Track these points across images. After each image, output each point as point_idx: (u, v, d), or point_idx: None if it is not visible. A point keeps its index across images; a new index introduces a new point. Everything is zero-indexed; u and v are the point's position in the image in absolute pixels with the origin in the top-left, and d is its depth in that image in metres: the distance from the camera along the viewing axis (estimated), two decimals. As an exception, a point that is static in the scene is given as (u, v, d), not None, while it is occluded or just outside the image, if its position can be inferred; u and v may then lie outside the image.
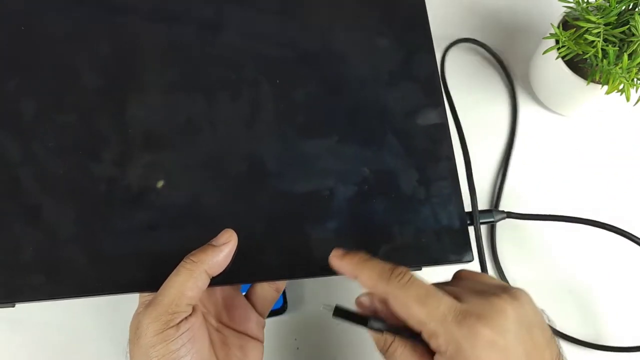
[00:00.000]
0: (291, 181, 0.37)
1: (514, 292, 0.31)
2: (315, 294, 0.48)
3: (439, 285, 0.31)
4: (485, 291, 0.31)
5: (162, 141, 0.38)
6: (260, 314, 0.37)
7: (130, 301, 0.39)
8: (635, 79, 0.42)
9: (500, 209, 0.50)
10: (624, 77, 0.42)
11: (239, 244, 0.34)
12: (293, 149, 0.38)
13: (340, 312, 0.33)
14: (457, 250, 0.37)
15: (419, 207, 0.37)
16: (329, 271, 0.36)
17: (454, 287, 0.31)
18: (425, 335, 0.29)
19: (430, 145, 0.39)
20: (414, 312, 0.29)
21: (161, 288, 0.32)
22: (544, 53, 0.47)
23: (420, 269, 0.36)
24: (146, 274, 0.35)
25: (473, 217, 0.41)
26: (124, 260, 0.35)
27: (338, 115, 0.39)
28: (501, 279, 0.48)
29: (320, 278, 0.48)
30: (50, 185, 0.36)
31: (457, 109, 0.51)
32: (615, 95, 0.43)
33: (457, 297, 0.30)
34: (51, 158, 0.37)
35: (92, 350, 0.46)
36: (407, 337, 0.30)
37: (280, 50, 0.41)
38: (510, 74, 0.54)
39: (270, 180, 0.37)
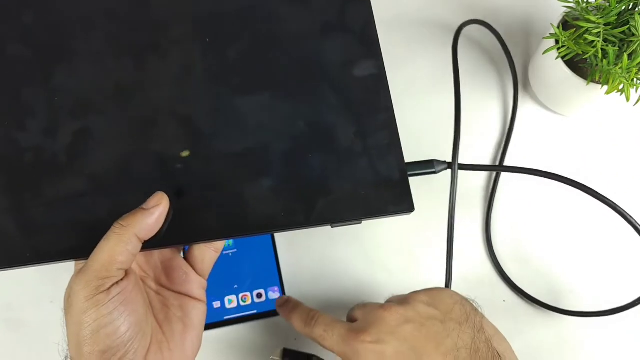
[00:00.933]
0: (224, 140, 0.37)
1: (407, 298, 0.37)
2: (316, 294, 0.48)
3: (358, 309, 0.38)
4: (381, 306, 0.36)
5: (90, 107, 0.37)
6: (201, 275, 0.37)
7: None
8: (635, 79, 0.42)
9: (496, 209, 0.51)
10: (624, 77, 0.42)
11: (173, 206, 0.34)
12: (226, 107, 0.37)
13: (289, 354, 0.42)
14: (397, 201, 0.36)
15: (356, 159, 0.37)
16: (265, 229, 0.36)
17: (359, 311, 0.38)
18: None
19: (367, 97, 0.38)
20: (324, 345, 0.36)
21: (92, 254, 0.31)
22: (544, 53, 0.47)
23: (360, 222, 0.36)
24: (79, 242, 0.34)
25: (453, 166, 0.41)
26: (56, 229, 0.35)
27: (271, 71, 0.38)
28: (485, 232, 0.50)
29: (322, 278, 0.48)
30: None
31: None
32: (615, 95, 0.43)
33: (354, 319, 0.37)
34: None
35: None
36: None
37: (209, 8, 0.40)
38: (516, 69, 0.54)
39: (202, 140, 0.37)
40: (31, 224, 0.35)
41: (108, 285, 0.31)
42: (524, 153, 0.52)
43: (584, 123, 0.53)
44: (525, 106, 0.54)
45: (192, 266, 0.37)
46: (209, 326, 0.47)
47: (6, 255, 0.35)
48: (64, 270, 0.36)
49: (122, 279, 0.32)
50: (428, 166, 0.40)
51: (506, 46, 0.53)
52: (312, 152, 0.37)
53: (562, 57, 0.45)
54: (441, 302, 0.36)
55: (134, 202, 0.33)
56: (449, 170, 0.41)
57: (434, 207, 0.47)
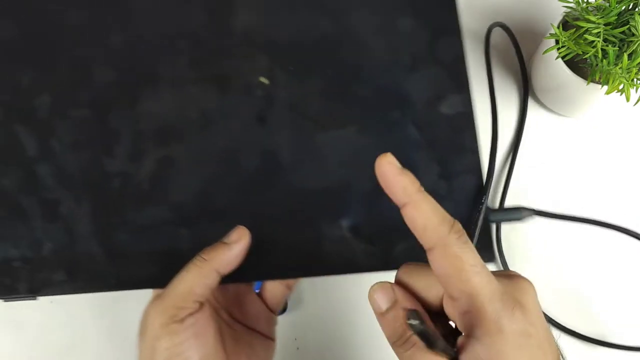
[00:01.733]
0: (306, 176, 0.36)
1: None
2: (315, 295, 0.48)
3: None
4: (505, 271, 0.29)
5: (175, 135, 0.37)
6: (272, 311, 0.38)
7: (130, 301, 0.39)
8: (635, 79, 0.42)
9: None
10: (624, 77, 0.41)
11: (252, 242, 0.34)
12: (308, 142, 0.36)
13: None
14: (477, 249, 0.36)
15: (439, 202, 0.36)
16: (341, 271, 0.35)
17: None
18: (460, 309, 0.26)
19: (453, 136, 0.36)
20: (465, 280, 0.25)
21: (170, 283, 0.32)
22: (544, 53, 0.47)
23: None
24: (160, 270, 0.34)
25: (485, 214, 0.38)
26: (139, 256, 0.35)
27: (356, 104, 0.37)
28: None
29: (322, 278, 0.48)
30: (67, 181, 0.36)
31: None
32: (615, 95, 0.43)
33: None
34: (67, 154, 0.37)
35: (92, 350, 0.46)
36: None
37: (295, 37, 0.38)
38: (527, 71, 0.53)
39: (284, 175, 0.36)
40: (116, 251, 0.35)
41: (183, 316, 0.31)
42: (525, 154, 0.52)
43: (583, 123, 0.53)
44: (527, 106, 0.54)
45: (264, 302, 0.37)
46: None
47: (94, 279, 0.35)
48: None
49: (196, 311, 0.32)
50: (514, 214, 0.37)
51: (520, 50, 0.53)
52: None
53: (562, 57, 0.45)
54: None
55: (215, 234, 0.34)
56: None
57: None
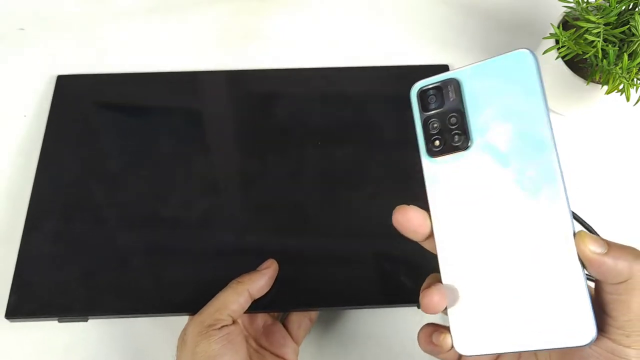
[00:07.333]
0: (328, 226, 0.45)
1: None
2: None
3: None
4: None
5: (220, 190, 0.46)
6: (295, 341, 0.42)
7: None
8: (635, 79, 0.42)
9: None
10: (624, 77, 0.42)
11: (280, 278, 0.40)
12: (330, 199, 0.46)
13: None
14: None
15: None
16: (353, 303, 0.43)
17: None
18: None
19: None
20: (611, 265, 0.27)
21: (209, 302, 0.38)
22: (544, 53, 0.47)
23: None
24: (201, 298, 0.39)
25: None
26: (183, 287, 0.42)
27: (373, 172, 0.46)
28: None
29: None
30: (128, 223, 0.45)
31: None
32: (615, 95, 0.43)
33: None
34: (131, 202, 0.46)
35: (92, 351, 0.46)
36: None
37: (323, 120, 0.50)
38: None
39: (309, 224, 0.45)
40: (163, 281, 0.43)
41: (219, 326, 0.36)
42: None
43: (583, 123, 0.53)
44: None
45: (288, 332, 0.42)
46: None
47: (141, 304, 0.42)
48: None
49: (230, 324, 0.37)
50: None
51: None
52: (403, 245, 0.39)
53: (562, 57, 0.45)
54: None
55: (247, 269, 0.41)
56: None
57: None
